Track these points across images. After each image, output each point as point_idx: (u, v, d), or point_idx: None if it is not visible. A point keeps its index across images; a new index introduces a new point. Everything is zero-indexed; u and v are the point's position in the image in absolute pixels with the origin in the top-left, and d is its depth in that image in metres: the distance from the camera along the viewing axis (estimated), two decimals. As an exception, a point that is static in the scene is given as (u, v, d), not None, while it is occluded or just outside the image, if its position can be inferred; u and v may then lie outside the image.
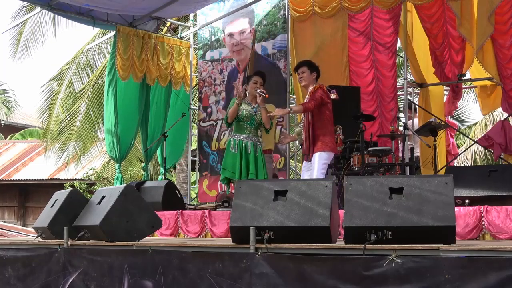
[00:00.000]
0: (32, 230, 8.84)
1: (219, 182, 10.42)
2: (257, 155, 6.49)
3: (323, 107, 6.25)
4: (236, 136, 6.56)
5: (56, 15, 12.35)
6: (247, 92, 6.79)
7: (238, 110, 6.52)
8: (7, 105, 25.71)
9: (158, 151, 10.93)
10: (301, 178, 6.42)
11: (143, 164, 11.09)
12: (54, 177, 19.37)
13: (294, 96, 10.02)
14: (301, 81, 6.46)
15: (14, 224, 17.67)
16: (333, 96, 6.33)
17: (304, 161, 6.36)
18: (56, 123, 15.27)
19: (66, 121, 14.99)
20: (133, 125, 10.37)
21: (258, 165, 6.48)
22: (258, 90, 6.60)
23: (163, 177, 10.37)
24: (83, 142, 15.19)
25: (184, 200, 9.22)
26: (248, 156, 6.45)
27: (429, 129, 7.95)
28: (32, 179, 19.83)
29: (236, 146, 6.49)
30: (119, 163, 10.37)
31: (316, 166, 6.10)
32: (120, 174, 10.40)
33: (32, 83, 57.01)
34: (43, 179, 19.55)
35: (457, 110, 15.85)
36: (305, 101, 6.40)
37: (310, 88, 6.33)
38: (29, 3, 12.65)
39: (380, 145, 8.46)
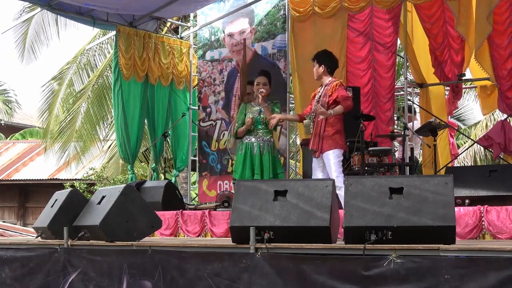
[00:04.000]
0: (32, 230, 8.84)
1: (219, 182, 10.47)
2: (263, 156, 6.47)
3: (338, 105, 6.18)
4: (244, 139, 6.57)
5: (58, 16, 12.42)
6: (255, 95, 6.78)
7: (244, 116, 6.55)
8: (7, 105, 25.68)
9: (172, 151, 10.95)
10: (313, 176, 6.33)
11: (153, 165, 11.07)
12: (54, 177, 19.37)
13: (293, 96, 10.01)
14: (314, 74, 6.38)
15: (14, 224, 17.68)
16: (349, 94, 6.33)
17: (314, 158, 6.27)
18: (56, 123, 15.27)
19: (67, 121, 14.99)
20: (140, 125, 10.35)
21: (263, 166, 6.47)
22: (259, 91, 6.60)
23: (164, 178, 10.37)
24: (84, 142, 15.19)
25: (184, 200, 9.23)
26: (254, 157, 6.46)
27: (429, 129, 7.95)
28: (32, 179, 19.84)
29: (243, 148, 6.52)
30: (132, 163, 10.34)
31: (332, 166, 6.02)
32: (133, 175, 10.38)
33: (33, 83, 57.04)
34: (43, 179, 19.55)
35: (458, 110, 15.87)
36: (320, 94, 6.25)
37: (325, 81, 6.23)
38: (29, 3, 12.65)
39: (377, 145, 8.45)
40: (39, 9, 11.94)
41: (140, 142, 10.65)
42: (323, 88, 6.24)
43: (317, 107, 6.09)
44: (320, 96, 6.21)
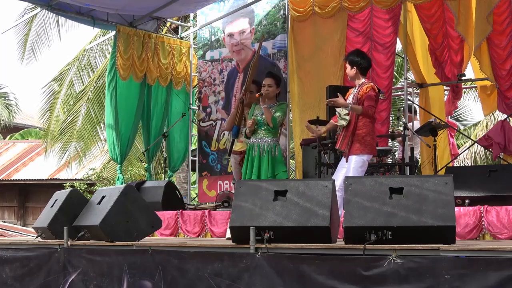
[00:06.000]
0: (32, 230, 8.84)
1: (219, 182, 10.47)
2: (262, 157, 6.44)
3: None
4: (250, 140, 6.56)
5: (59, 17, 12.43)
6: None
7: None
8: (8, 108, 25.66)
9: (167, 152, 10.96)
10: (334, 174, 6.07)
11: (146, 165, 11.08)
12: (54, 177, 19.36)
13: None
14: (347, 75, 6.15)
15: (14, 224, 17.68)
16: (381, 97, 6.12)
17: (343, 157, 5.99)
18: (56, 124, 15.27)
19: (67, 122, 15.00)
20: (133, 125, 10.38)
21: (261, 167, 6.44)
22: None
23: (164, 178, 10.40)
24: (85, 143, 15.21)
25: (184, 200, 9.23)
26: (254, 158, 6.45)
27: (429, 129, 7.95)
28: (32, 179, 19.83)
29: (247, 149, 6.52)
30: (120, 163, 10.37)
31: (351, 170, 5.77)
32: (121, 175, 10.41)
33: (33, 83, 57.05)
34: (43, 179, 19.54)
35: (457, 110, 15.86)
36: (352, 95, 5.97)
37: (358, 83, 5.98)
38: (29, 3, 12.65)
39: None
40: (39, 9, 11.94)
41: (132, 142, 10.67)
42: (356, 89, 6.00)
43: (336, 100, 5.92)
44: (353, 98, 6.02)
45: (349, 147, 5.82)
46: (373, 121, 5.93)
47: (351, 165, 5.80)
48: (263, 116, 6.43)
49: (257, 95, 6.45)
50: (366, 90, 5.83)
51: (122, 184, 10.13)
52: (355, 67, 5.96)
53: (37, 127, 24.10)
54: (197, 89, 11.16)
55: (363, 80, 5.96)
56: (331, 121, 6.31)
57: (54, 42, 15.27)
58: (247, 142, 6.69)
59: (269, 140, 6.43)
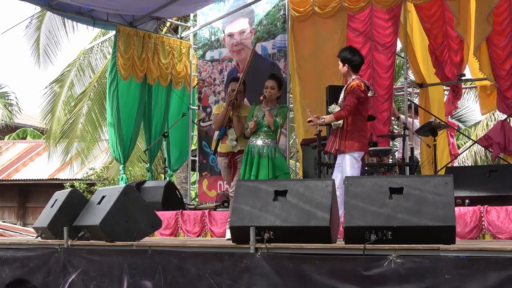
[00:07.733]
0: (32, 230, 8.85)
1: (219, 182, 10.47)
2: (262, 158, 6.43)
3: (359, 103, 5.87)
4: (248, 141, 6.56)
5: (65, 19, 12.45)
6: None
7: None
8: (8, 108, 25.63)
9: (167, 152, 10.96)
10: (333, 174, 6.06)
11: (147, 165, 11.08)
12: (54, 177, 19.37)
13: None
14: (340, 71, 6.18)
15: (14, 224, 17.68)
16: (370, 94, 6.10)
17: (338, 156, 5.97)
18: (58, 125, 15.26)
19: (69, 123, 14.99)
20: (135, 125, 10.37)
21: (260, 168, 6.44)
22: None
23: (164, 178, 10.40)
24: (86, 143, 15.21)
25: (184, 200, 9.23)
26: (253, 159, 6.45)
27: (429, 129, 7.95)
28: (32, 179, 19.84)
29: (246, 150, 6.52)
30: (124, 163, 10.36)
31: (347, 168, 5.77)
32: (124, 175, 10.40)
33: (33, 83, 57.05)
34: (43, 179, 19.56)
35: (458, 111, 15.87)
36: (341, 98, 5.98)
37: (349, 80, 5.98)
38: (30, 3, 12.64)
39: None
40: (45, 11, 11.94)
41: (134, 142, 10.66)
42: (343, 92, 6.00)
43: (313, 117, 5.96)
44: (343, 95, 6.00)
45: (339, 145, 5.83)
46: (362, 118, 5.94)
47: (346, 164, 5.82)
48: (264, 118, 6.43)
49: (261, 98, 6.45)
50: (350, 88, 5.84)
51: (125, 183, 10.11)
52: (347, 64, 5.98)
53: (34, 126, 24.06)
54: (197, 89, 11.16)
55: (353, 77, 5.97)
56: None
57: (64, 43, 15.23)
58: (231, 144, 6.69)
59: (269, 142, 6.43)
